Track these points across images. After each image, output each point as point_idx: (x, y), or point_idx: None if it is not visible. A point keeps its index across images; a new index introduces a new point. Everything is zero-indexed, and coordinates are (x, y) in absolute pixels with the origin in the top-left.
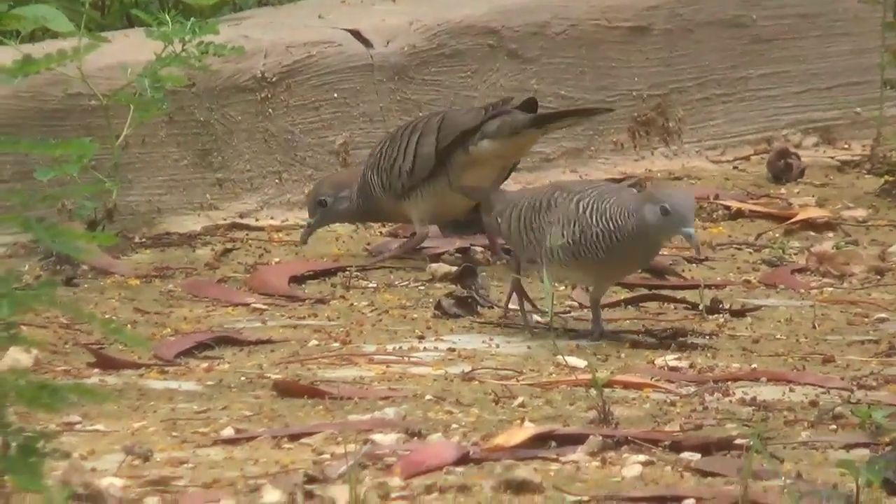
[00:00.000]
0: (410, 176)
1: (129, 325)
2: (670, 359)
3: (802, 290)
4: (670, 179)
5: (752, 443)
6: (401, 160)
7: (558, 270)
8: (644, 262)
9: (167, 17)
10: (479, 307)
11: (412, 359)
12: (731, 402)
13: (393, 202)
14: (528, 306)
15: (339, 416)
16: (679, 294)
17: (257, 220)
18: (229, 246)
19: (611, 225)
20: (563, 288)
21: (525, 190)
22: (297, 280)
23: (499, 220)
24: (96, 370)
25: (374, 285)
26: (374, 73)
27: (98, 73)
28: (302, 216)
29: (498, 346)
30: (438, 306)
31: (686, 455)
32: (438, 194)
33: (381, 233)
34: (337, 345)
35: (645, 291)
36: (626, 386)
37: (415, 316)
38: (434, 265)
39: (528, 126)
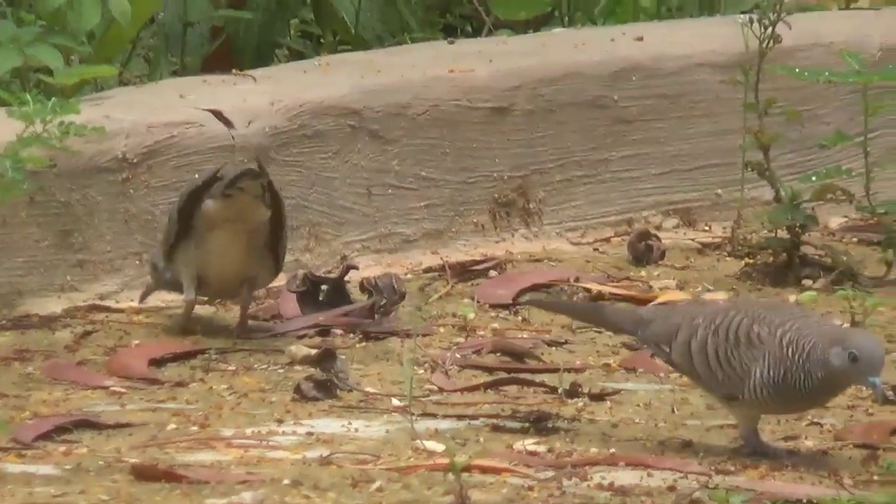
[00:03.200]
0: (165, 242)
1: None
2: (529, 443)
3: (662, 374)
4: (530, 261)
5: None
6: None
7: (755, 408)
8: (828, 401)
9: (28, 96)
10: (338, 390)
11: (270, 443)
12: (588, 486)
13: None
14: None
15: (196, 500)
16: (538, 377)
17: (117, 301)
18: (89, 328)
19: (804, 366)
20: (421, 371)
21: (682, 310)
22: (157, 363)
23: (660, 345)
24: None
25: (234, 368)
26: (236, 153)
27: None
28: (162, 298)
29: (357, 429)
30: (297, 389)
31: None
32: (192, 259)
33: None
34: (195, 428)
35: (504, 375)
36: (485, 471)
37: (273, 399)
38: (293, 348)
39: (233, 181)
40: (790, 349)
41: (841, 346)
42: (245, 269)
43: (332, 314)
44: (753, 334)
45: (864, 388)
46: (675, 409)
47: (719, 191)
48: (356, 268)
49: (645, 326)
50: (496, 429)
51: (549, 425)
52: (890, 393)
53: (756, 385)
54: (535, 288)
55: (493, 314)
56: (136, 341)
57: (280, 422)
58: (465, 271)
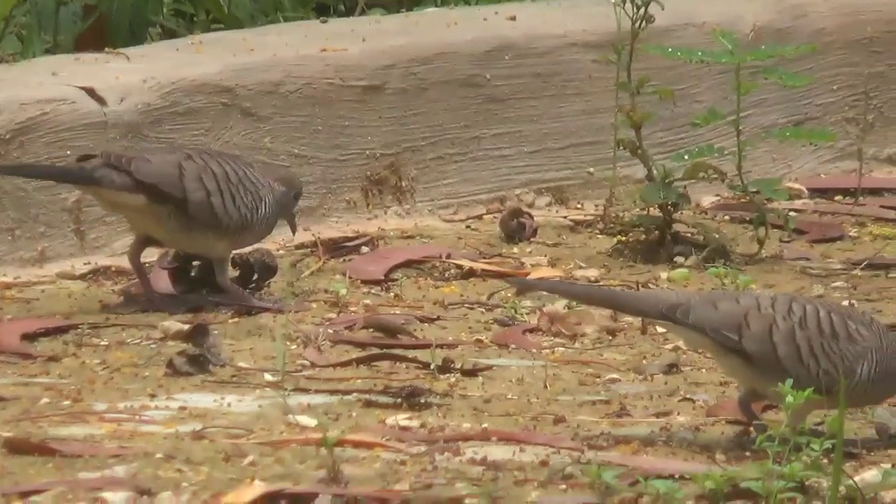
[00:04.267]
0: None
1: None
2: (401, 418)
3: (534, 350)
4: (403, 238)
5: (481, 502)
6: None
7: (851, 399)
8: None
9: None
10: (210, 365)
11: (143, 417)
12: (461, 461)
13: None
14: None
15: (69, 473)
16: (411, 353)
17: None
18: None
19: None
20: (293, 346)
21: (731, 296)
22: (29, 337)
23: (721, 331)
24: None
25: (106, 343)
26: (109, 130)
27: None
28: (35, 273)
29: (229, 404)
30: (170, 364)
31: None
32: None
33: (113, 290)
34: (68, 402)
35: (377, 351)
36: (357, 445)
37: (146, 374)
38: (166, 323)
39: None
40: (889, 348)
41: None
42: (180, 243)
43: (208, 300)
44: (853, 329)
45: None
46: (548, 385)
47: (591, 169)
48: None
49: (685, 312)
50: (368, 404)
51: (422, 400)
52: None
53: (859, 381)
54: (407, 264)
55: (365, 290)
56: (9, 316)
57: (153, 396)
58: (337, 248)
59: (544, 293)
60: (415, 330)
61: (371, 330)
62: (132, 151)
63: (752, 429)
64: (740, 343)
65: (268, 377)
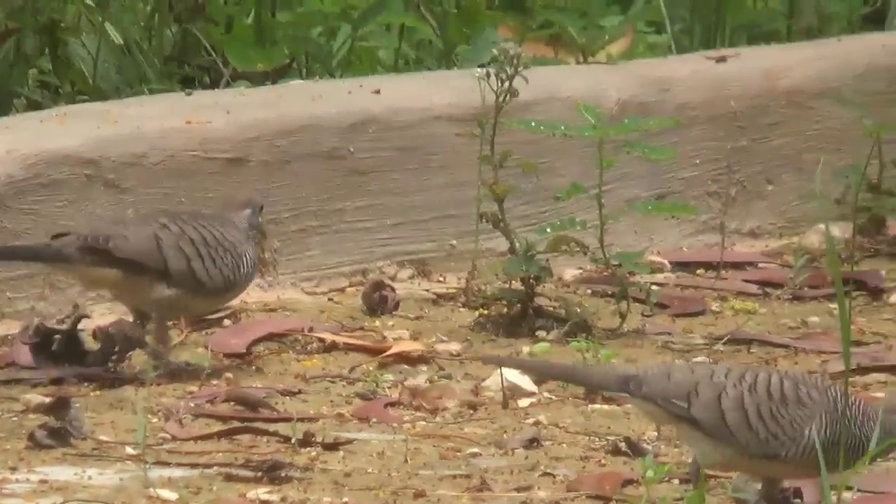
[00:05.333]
0: None
1: None
2: (262, 492)
3: (395, 424)
4: (265, 311)
5: None
6: None
7: (797, 468)
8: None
9: None
10: (72, 438)
11: (4, 490)
12: None
13: None
14: None
15: None
16: (272, 427)
17: None
18: None
19: (857, 430)
20: (155, 419)
21: (686, 367)
22: None
23: (672, 400)
24: None
25: None
26: None
27: None
28: None
29: (90, 477)
30: (31, 437)
31: None
32: None
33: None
34: None
35: (238, 424)
36: None
37: (7, 447)
38: (28, 396)
39: None
40: (847, 412)
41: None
42: (161, 311)
43: (69, 372)
44: (803, 394)
45: None
46: (408, 459)
47: (454, 242)
48: (88, 316)
49: (638, 384)
50: (229, 477)
51: (283, 474)
52: None
53: (807, 445)
54: (269, 337)
55: (227, 363)
56: None
57: (14, 469)
58: (199, 320)
59: (405, 366)
60: (276, 403)
61: (232, 403)
62: (105, 227)
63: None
64: (689, 411)
65: (129, 450)
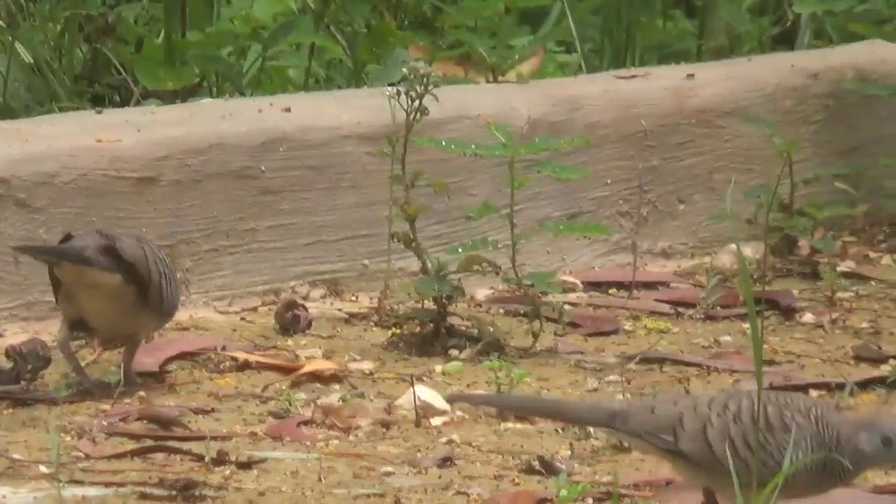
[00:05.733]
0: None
1: None
2: None
3: (308, 443)
4: (177, 330)
5: None
6: None
7: (787, 493)
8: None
9: None
10: None
11: None
12: None
13: None
14: None
15: None
16: (185, 445)
17: None
18: None
19: (848, 451)
20: (68, 438)
21: (668, 400)
22: None
23: (656, 434)
24: None
25: None
26: None
27: None
28: None
29: (3, 496)
30: None
31: None
32: (67, 308)
33: None
34: None
35: (151, 443)
36: None
37: None
38: None
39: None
40: (826, 433)
41: (868, 431)
42: (121, 324)
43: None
44: (788, 419)
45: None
46: (322, 478)
47: (366, 261)
48: (0, 335)
49: (624, 419)
50: (143, 496)
51: (196, 493)
52: None
53: (797, 471)
54: (182, 356)
55: (139, 382)
56: None
57: None
58: (112, 339)
59: (318, 385)
60: (189, 422)
61: (146, 422)
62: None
63: None
64: (676, 445)
65: (42, 469)
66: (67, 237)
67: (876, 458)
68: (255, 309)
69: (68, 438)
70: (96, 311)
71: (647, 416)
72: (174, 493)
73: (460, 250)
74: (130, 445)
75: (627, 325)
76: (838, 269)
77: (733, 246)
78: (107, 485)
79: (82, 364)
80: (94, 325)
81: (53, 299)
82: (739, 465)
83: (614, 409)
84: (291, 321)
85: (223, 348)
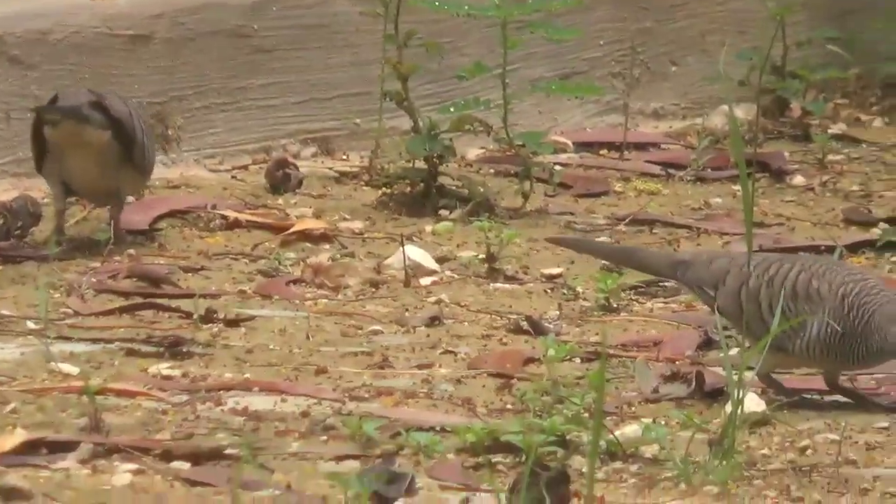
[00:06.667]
0: (33, 156)
1: None
2: (164, 367)
3: (297, 302)
4: (168, 188)
5: (242, 453)
6: None
7: (802, 362)
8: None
9: None
10: None
11: None
12: (222, 411)
13: None
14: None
15: None
16: (174, 303)
17: None
18: None
19: (864, 334)
20: (57, 295)
21: (728, 255)
22: None
23: (703, 288)
24: None
25: None
26: None
27: None
28: None
29: None
30: None
31: (176, 464)
32: (54, 172)
33: None
34: None
35: (140, 300)
36: (119, 394)
37: None
38: None
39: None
40: (851, 311)
41: None
42: (105, 182)
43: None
44: (812, 289)
45: None
46: (310, 336)
47: (358, 120)
48: None
49: (684, 269)
50: (131, 353)
51: (184, 350)
52: None
53: (810, 340)
54: (172, 214)
55: (129, 239)
56: None
57: None
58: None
59: (308, 244)
60: (178, 280)
61: (135, 279)
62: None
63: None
64: (714, 299)
65: (30, 325)
66: (55, 98)
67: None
68: (245, 167)
69: (57, 295)
70: (82, 169)
71: (703, 269)
72: (162, 349)
73: (452, 109)
74: (119, 302)
75: (618, 186)
76: (829, 131)
77: (725, 107)
78: (94, 341)
79: (72, 221)
80: (79, 184)
81: (26, 156)
82: (762, 328)
83: (680, 259)
84: (282, 179)
85: (213, 206)
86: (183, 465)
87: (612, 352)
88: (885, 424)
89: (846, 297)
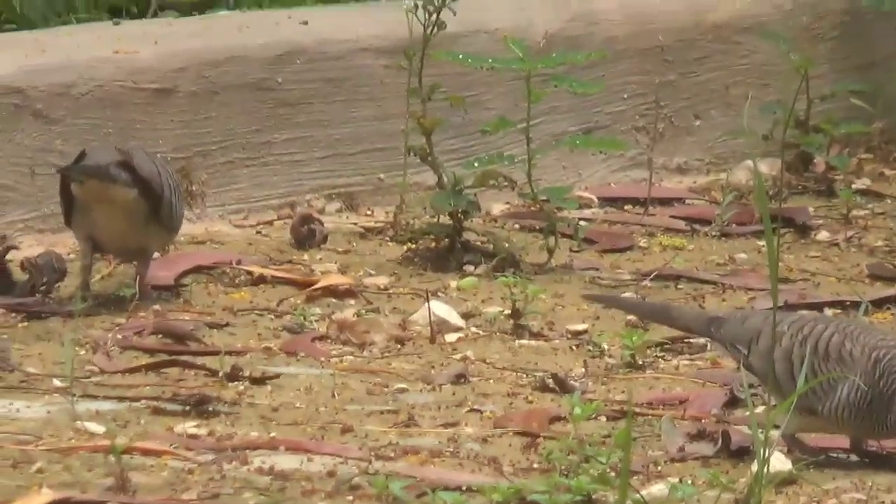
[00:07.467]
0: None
1: None
2: (190, 426)
3: (323, 359)
4: (193, 243)
5: None
6: None
7: (831, 425)
8: None
9: None
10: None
11: None
12: (248, 470)
13: None
14: None
15: None
16: (199, 360)
17: None
18: None
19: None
20: (82, 352)
21: (761, 314)
22: None
23: (736, 345)
24: None
25: None
26: None
27: None
28: None
29: (18, 410)
30: None
31: None
32: (82, 227)
33: None
34: None
35: (165, 357)
36: (146, 453)
37: None
38: None
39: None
40: (882, 378)
41: None
42: (132, 239)
43: None
44: (845, 351)
45: None
46: (336, 394)
47: (382, 175)
48: (16, 247)
49: (718, 326)
50: (157, 411)
51: (210, 408)
52: None
53: (840, 403)
54: (197, 270)
55: (155, 295)
56: None
57: None
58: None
59: (333, 300)
60: (204, 336)
61: (160, 336)
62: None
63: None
64: (747, 358)
65: (56, 383)
66: (82, 154)
67: None
68: (270, 223)
69: (83, 352)
70: (109, 226)
71: (737, 327)
72: (188, 407)
73: (476, 165)
74: (145, 360)
75: (643, 242)
76: (854, 186)
77: (749, 162)
78: (120, 399)
79: (98, 277)
80: (106, 240)
81: (51, 212)
82: (793, 388)
83: (715, 316)
84: (307, 235)
85: (238, 262)
86: None
87: (638, 410)
88: None
89: (879, 363)
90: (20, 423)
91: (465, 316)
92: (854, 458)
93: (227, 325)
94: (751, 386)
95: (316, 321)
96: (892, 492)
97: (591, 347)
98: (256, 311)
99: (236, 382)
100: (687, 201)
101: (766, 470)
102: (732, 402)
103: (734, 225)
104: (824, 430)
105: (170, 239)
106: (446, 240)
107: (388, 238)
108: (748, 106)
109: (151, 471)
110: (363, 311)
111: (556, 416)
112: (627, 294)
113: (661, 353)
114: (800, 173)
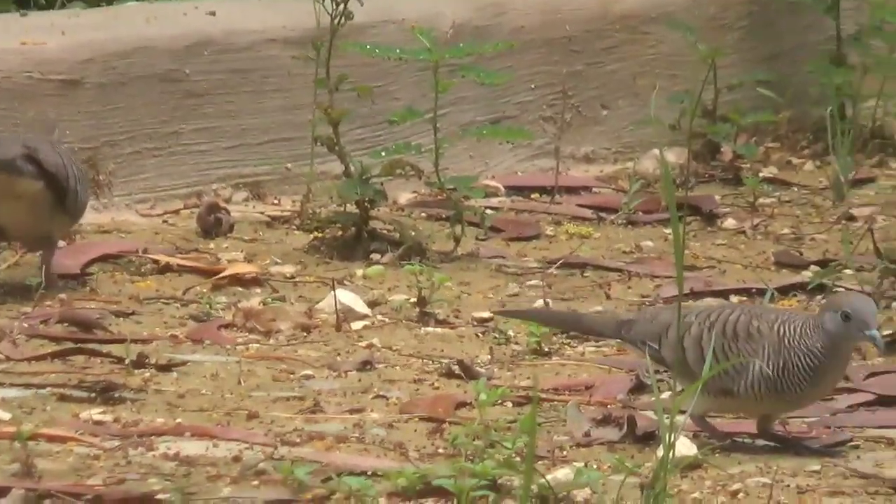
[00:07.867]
0: None
1: None
2: (95, 413)
3: (229, 346)
4: (99, 232)
5: (173, 498)
6: None
7: (749, 404)
8: (833, 383)
9: None
10: None
11: None
12: (154, 456)
13: None
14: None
15: None
16: (105, 348)
17: None
18: None
19: (803, 347)
20: None
21: (669, 309)
22: None
23: (647, 342)
24: None
25: None
26: None
27: None
28: None
29: None
30: None
31: None
32: None
33: None
34: None
35: (71, 345)
36: (51, 439)
37: None
38: None
39: None
40: (787, 338)
41: (831, 309)
42: (37, 228)
43: None
44: (753, 328)
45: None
46: (242, 381)
47: (289, 165)
48: None
49: (629, 328)
50: (63, 398)
51: (116, 395)
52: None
53: (754, 379)
54: (103, 259)
55: (61, 284)
56: None
57: None
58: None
59: (239, 289)
60: (110, 325)
61: (66, 324)
62: (20, 143)
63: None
64: (659, 352)
65: None
66: None
67: (842, 335)
68: (177, 212)
69: None
70: (15, 216)
71: (646, 325)
72: (94, 394)
73: (383, 154)
74: (51, 348)
75: (549, 230)
76: (761, 174)
77: (656, 151)
78: (26, 386)
79: (4, 266)
80: (11, 229)
81: None
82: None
83: (623, 319)
84: (213, 224)
85: (145, 251)
86: None
87: (543, 396)
88: (817, 468)
89: (780, 328)
90: None
91: (372, 304)
92: (760, 442)
93: (133, 313)
94: (656, 371)
95: (222, 309)
96: (797, 475)
97: (496, 335)
98: (162, 300)
99: (142, 370)
100: (594, 190)
101: (671, 454)
102: (638, 388)
103: (640, 213)
104: (739, 410)
105: (73, 224)
106: (353, 228)
107: (294, 227)
108: (655, 95)
109: (57, 457)
110: (269, 300)
111: (462, 402)
112: (534, 282)
113: (567, 340)
114: (707, 162)
